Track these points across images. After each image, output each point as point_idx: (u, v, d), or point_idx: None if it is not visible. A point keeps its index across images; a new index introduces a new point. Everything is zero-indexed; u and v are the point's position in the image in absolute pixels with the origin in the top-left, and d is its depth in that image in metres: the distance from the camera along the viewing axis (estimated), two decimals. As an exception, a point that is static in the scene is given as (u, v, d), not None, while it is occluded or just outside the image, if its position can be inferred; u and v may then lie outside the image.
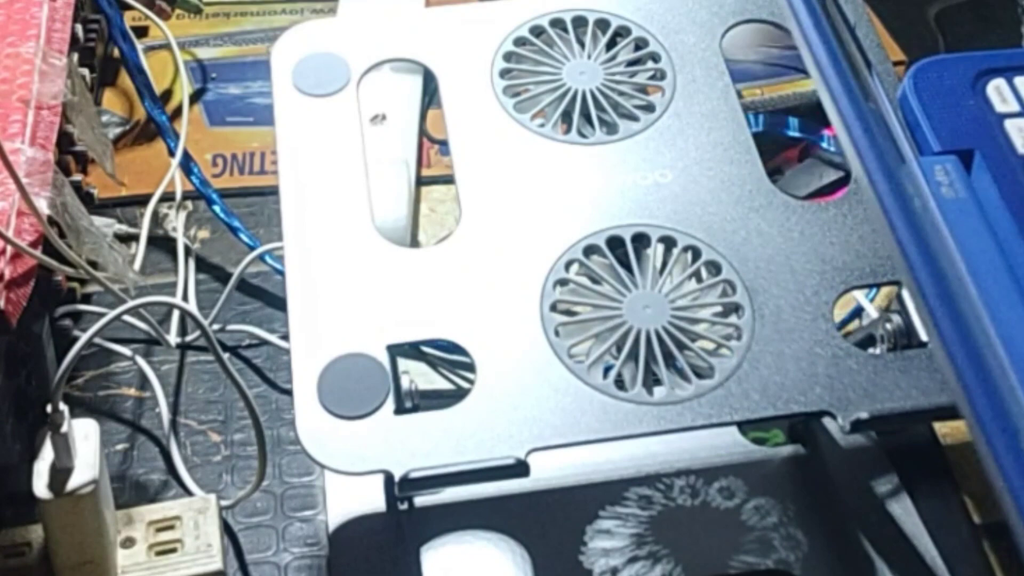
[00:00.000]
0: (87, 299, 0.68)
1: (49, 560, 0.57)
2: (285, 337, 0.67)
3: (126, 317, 0.61)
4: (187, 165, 0.73)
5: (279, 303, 0.70)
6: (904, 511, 0.61)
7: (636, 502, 0.61)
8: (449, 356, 0.67)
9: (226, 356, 0.59)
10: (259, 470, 0.59)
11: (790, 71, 0.82)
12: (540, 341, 0.52)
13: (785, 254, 0.55)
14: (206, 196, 0.73)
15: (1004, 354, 0.41)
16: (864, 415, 0.50)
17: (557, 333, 0.52)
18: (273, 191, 0.60)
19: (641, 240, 0.55)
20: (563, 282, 0.54)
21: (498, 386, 0.51)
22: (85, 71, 0.70)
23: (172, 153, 0.73)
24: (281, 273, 0.70)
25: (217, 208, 0.72)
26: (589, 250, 0.55)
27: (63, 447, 0.54)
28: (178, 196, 0.75)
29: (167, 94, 0.82)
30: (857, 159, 0.44)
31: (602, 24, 0.63)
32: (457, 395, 0.51)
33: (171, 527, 0.59)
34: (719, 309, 0.54)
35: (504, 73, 0.61)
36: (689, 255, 0.55)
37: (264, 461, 0.59)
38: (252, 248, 0.71)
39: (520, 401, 0.50)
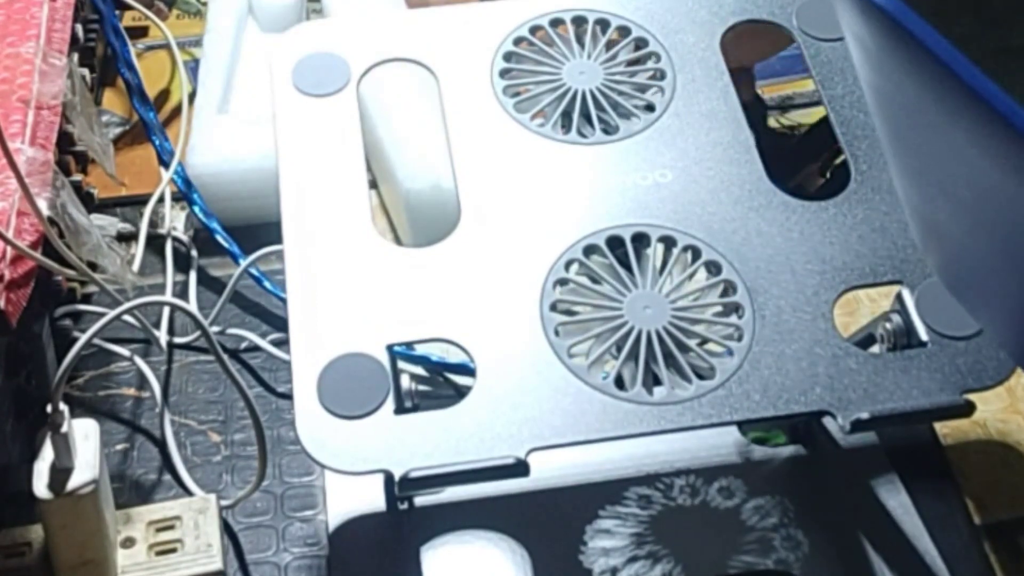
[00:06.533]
0: (87, 299, 0.68)
1: (49, 560, 0.57)
2: (279, 343, 0.67)
3: (126, 317, 0.61)
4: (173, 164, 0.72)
5: (278, 303, 0.70)
6: (904, 511, 0.61)
7: (636, 502, 0.61)
8: (447, 362, 0.66)
9: (225, 356, 0.59)
10: (259, 470, 0.59)
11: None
12: (540, 341, 0.52)
13: (785, 254, 0.55)
14: (187, 196, 0.72)
15: None
16: (864, 415, 0.50)
17: (557, 333, 0.52)
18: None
19: (641, 240, 0.55)
20: (563, 282, 0.54)
21: (498, 386, 0.51)
22: (85, 71, 0.70)
23: (159, 151, 0.72)
24: (263, 286, 0.70)
25: (197, 208, 0.72)
26: (589, 250, 0.55)
27: (63, 447, 0.54)
28: (167, 198, 0.74)
29: (166, 94, 0.82)
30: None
31: (602, 24, 0.63)
32: (457, 395, 0.51)
33: (171, 527, 0.59)
34: (719, 309, 0.54)
35: (504, 73, 0.61)
36: (689, 255, 0.55)
37: (264, 461, 0.59)
38: (230, 252, 0.70)
39: (520, 401, 0.50)
